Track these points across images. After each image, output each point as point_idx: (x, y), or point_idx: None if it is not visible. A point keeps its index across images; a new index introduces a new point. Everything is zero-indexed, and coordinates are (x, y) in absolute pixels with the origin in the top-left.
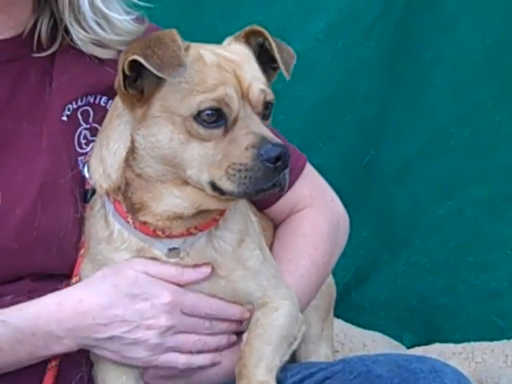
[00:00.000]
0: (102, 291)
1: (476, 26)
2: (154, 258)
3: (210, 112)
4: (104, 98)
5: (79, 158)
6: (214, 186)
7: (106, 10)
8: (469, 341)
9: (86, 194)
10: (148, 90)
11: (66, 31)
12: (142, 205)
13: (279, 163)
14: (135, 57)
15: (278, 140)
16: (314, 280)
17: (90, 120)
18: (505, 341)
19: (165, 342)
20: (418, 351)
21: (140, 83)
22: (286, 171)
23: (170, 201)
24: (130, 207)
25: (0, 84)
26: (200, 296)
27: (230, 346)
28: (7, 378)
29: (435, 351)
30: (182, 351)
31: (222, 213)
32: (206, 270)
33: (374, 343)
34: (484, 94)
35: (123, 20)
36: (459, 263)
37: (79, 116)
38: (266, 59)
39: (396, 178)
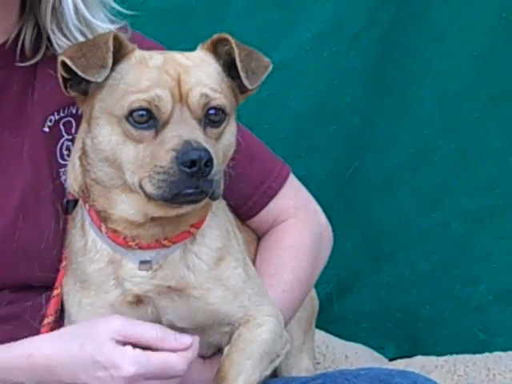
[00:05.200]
0: (67, 350)
1: (464, 37)
2: (125, 273)
3: (140, 113)
4: None
5: (61, 170)
6: (143, 189)
7: (91, 18)
8: (451, 354)
9: (68, 205)
10: (92, 92)
11: (50, 41)
12: (105, 212)
13: (195, 168)
14: (63, 58)
15: (203, 145)
16: (297, 294)
17: (73, 131)
18: (487, 354)
19: None
20: (401, 364)
21: (86, 85)
22: (213, 178)
23: (121, 207)
24: (99, 215)
25: None
26: (166, 359)
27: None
28: None
29: (417, 364)
30: None
31: (197, 225)
32: (188, 340)
33: (355, 355)
34: (471, 106)
35: (106, 29)
36: (443, 276)
37: (61, 127)
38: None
39: (381, 189)
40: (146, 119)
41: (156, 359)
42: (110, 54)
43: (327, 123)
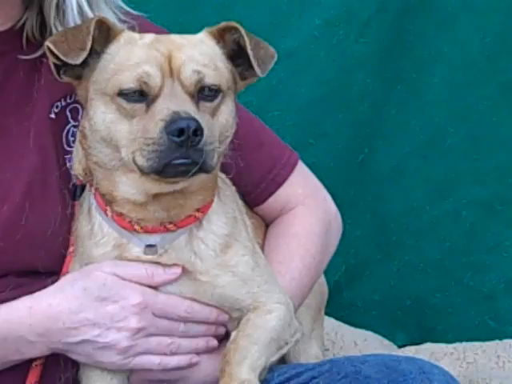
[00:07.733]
0: (71, 295)
1: (475, 23)
2: (131, 258)
3: (130, 90)
4: None
5: (67, 156)
6: (136, 163)
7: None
8: (461, 341)
9: (75, 191)
10: (86, 75)
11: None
12: (110, 195)
13: (183, 137)
14: (47, 43)
15: (192, 115)
16: (305, 282)
17: (79, 117)
18: (497, 341)
19: (136, 345)
20: (410, 351)
21: (79, 69)
22: (204, 148)
23: (123, 188)
24: (104, 198)
25: None
26: (173, 298)
27: (211, 350)
28: None
29: (427, 351)
30: (155, 353)
31: (202, 209)
32: (177, 270)
33: (365, 342)
34: (482, 93)
35: None
36: (453, 264)
37: (68, 113)
38: (246, 57)
39: (390, 177)
40: (137, 94)
41: (162, 295)
42: (90, 37)
43: (336, 111)
